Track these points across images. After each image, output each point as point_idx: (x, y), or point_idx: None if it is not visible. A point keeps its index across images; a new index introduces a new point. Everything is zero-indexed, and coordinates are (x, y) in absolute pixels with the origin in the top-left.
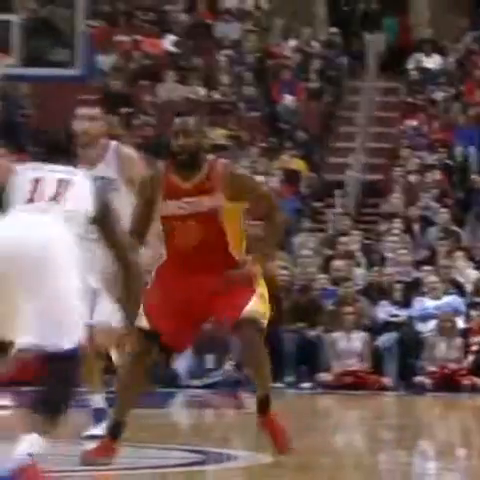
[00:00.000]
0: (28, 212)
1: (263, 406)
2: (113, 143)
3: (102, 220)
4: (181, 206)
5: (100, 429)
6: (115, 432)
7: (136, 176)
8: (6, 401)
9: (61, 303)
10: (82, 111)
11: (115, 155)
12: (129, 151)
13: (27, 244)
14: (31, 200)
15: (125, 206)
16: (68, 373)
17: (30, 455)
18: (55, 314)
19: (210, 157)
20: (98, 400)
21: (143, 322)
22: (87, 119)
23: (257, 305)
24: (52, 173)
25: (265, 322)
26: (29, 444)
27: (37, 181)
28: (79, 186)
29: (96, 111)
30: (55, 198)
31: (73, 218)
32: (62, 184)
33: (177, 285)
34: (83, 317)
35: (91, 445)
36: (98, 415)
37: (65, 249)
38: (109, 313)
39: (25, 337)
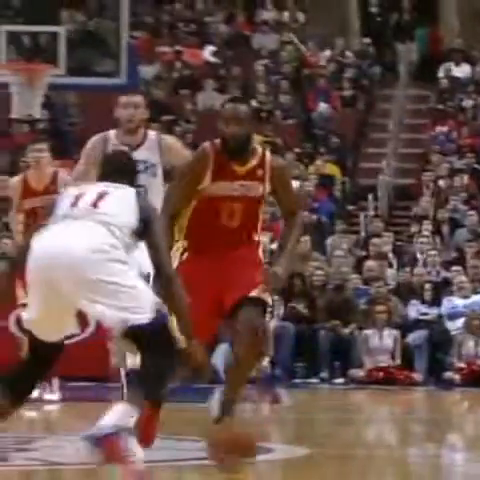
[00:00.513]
0: (69, 218)
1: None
2: (153, 131)
3: (144, 232)
4: (234, 188)
5: None
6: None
7: (184, 159)
8: (54, 396)
9: (122, 284)
10: (126, 99)
11: (157, 142)
12: (173, 140)
13: (70, 250)
14: (73, 205)
15: (159, 189)
16: (156, 345)
17: (116, 426)
18: (122, 294)
19: (258, 146)
20: None
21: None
22: (131, 106)
23: (263, 292)
24: (96, 186)
25: (269, 305)
26: (118, 415)
27: (80, 191)
28: (120, 196)
29: (139, 98)
30: (94, 204)
31: (111, 223)
32: (102, 194)
33: (203, 274)
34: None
35: None
36: None
37: (105, 249)
38: None
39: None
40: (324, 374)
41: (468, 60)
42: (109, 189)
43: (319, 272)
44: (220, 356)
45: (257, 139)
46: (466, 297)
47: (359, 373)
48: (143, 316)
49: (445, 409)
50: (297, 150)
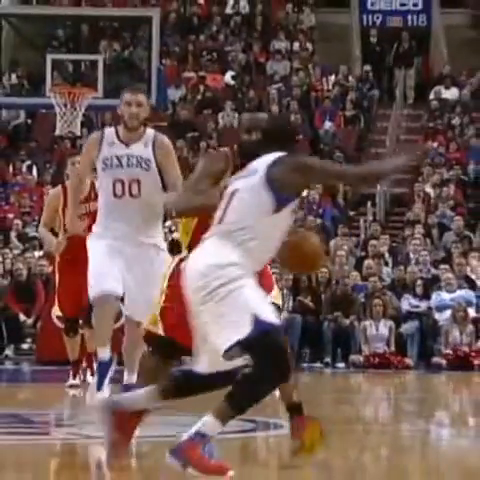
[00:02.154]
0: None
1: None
2: (150, 129)
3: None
4: None
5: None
6: None
7: (169, 158)
8: (76, 380)
9: (227, 306)
10: (129, 97)
11: (152, 139)
12: (167, 140)
13: (191, 270)
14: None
15: (153, 186)
16: (253, 370)
17: (198, 434)
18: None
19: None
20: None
21: (159, 329)
22: (135, 104)
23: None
24: (231, 186)
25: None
26: (203, 424)
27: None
28: (244, 195)
29: (142, 97)
30: (221, 219)
31: (233, 231)
32: (230, 197)
33: None
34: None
35: None
36: None
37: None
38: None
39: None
40: (327, 359)
41: (456, 84)
42: (237, 186)
43: (324, 270)
44: None
45: None
46: (452, 292)
47: (358, 358)
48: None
49: (433, 390)
50: None
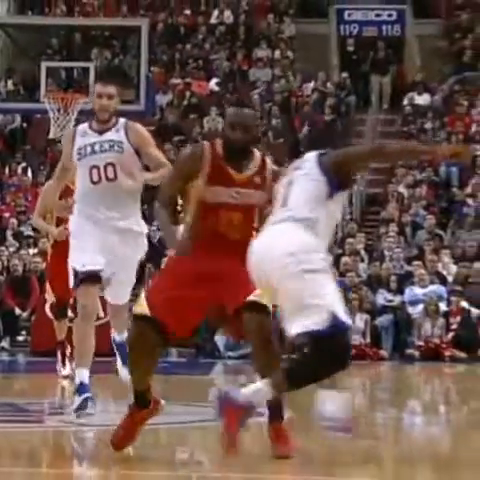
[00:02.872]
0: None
1: (275, 413)
2: (122, 118)
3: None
4: (232, 195)
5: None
6: (141, 402)
7: (145, 139)
8: (67, 371)
9: (303, 293)
10: (100, 89)
11: (124, 126)
12: (139, 125)
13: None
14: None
15: (128, 168)
16: (319, 353)
17: (250, 403)
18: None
19: (258, 152)
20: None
21: (144, 309)
22: (106, 96)
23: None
24: (286, 177)
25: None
26: (254, 390)
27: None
28: (301, 182)
29: (113, 89)
30: (284, 204)
31: (295, 216)
32: (285, 190)
33: (194, 270)
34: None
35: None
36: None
37: (290, 253)
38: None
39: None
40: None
41: (428, 91)
42: (295, 175)
43: None
44: (222, 337)
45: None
46: (425, 287)
47: None
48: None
49: (406, 380)
50: (286, 165)
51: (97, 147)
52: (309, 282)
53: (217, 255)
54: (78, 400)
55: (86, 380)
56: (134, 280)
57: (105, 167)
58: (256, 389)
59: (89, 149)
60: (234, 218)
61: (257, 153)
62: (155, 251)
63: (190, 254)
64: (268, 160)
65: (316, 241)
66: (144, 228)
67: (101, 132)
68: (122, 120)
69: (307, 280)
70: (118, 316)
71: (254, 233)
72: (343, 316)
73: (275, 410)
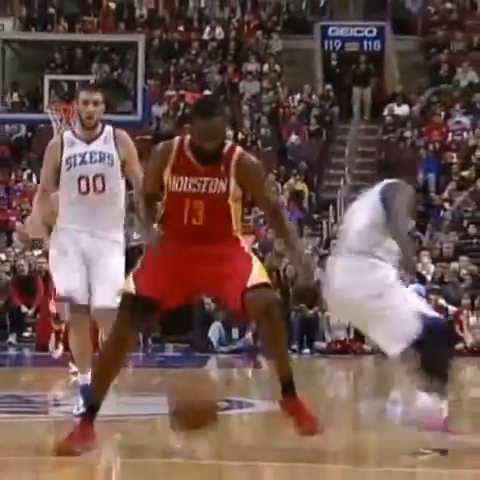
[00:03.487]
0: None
1: (288, 389)
2: (109, 126)
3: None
4: (194, 184)
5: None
6: (92, 414)
7: (132, 154)
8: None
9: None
10: (85, 95)
11: (112, 135)
12: (126, 134)
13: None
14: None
15: (116, 180)
16: (433, 355)
17: (438, 413)
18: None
19: (228, 144)
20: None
21: (130, 287)
22: (92, 103)
23: (262, 275)
24: (355, 203)
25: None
26: (428, 405)
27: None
28: (364, 209)
29: (99, 95)
30: (344, 234)
31: (357, 245)
32: (352, 216)
33: (172, 257)
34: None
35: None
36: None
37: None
38: (109, 296)
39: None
40: (295, 346)
41: (407, 102)
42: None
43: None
44: (215, 331)
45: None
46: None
47: (322, 345)
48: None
49: (388, 373)
50: (274, 171)
51: (87, 157)
52: (388, 300)
53: (188, 245)
54: (82, 402)
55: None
56: (118, 286)
57: (94, 178)
58: (427, 405)
59: (79, 159)
60: (198, 208)
61: (226, 145)
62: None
63: (161, 245)
64: (237, 150)
65: (384, 269)
66: (123, 240)
67: (88, 141)
68: (108, 128)
69: (386, 300)
70: (108, 326)
71: (233, 225)
72: (430, 312)
73: (289, 386)
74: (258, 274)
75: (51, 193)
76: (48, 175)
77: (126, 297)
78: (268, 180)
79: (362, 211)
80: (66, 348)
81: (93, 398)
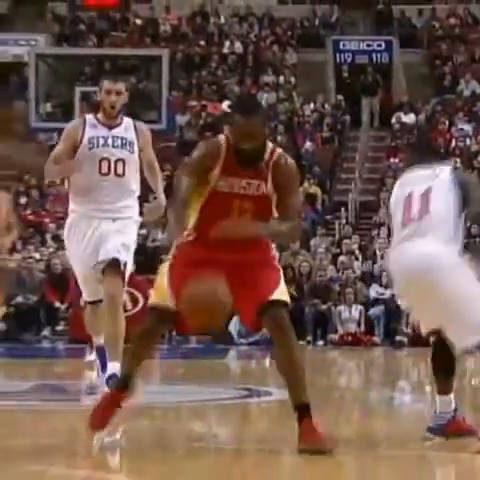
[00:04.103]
0: (406, 235)
1: (302, 413)
2: (128, 117)
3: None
4: (242, 185)
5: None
6: (123, 385)
7: (149, 143)
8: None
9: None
10: (109, 85)
11: (133, 125)
12: (146, 127)
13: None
14: (406, 221)
15: (134, 168)
16: None
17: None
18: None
19: (269, 145)
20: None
21: (169, 301)
22: (114, 93)
23: (284, 292)
24: (418, 187)
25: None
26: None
27: (408, 198)
28: (438, 193)
29: (121, 86)
30: (420, 217)
31: (438, 228)
32: (423, 199)
33: (207, 263)
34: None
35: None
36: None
37: (445, 264)
38: (117, 249)
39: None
40: (309, 338)
41: (413, 110)
42: (428, 185)
43: (305, 264)
44: (235, 325)
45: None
46: None
47: (334, 337)
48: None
49: (396, 363)
50: None
51: (110, 141)
52: (470, 288)
53: (228, 248)
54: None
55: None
56: (131, 244)
57: (116, 162)
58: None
59: (101, 141)
60: (247, 208)
61: (268, 147)
62: None
63: (194, 248)
64: (278, 153)
65: (459, 252)
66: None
67: (110, 127)
68: (128, 119)
69: (466, 286)
70: (111, 287)
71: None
72: None
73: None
74: (283, 290)
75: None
76: (65, 151)
77: (159, 309)
78: (298, 186)
79: (436, 196)
80: None
81: (123, 377)
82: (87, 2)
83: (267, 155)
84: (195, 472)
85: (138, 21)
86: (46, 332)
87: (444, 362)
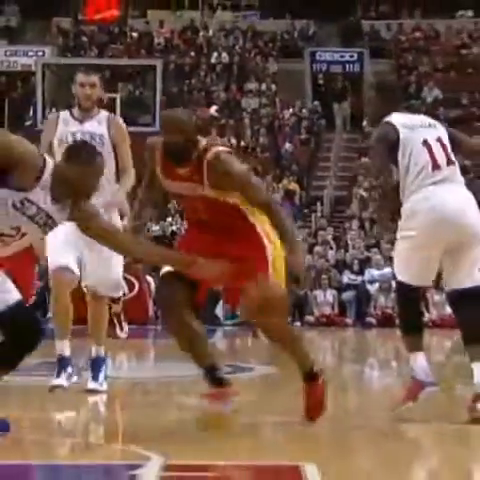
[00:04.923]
0: (439, 181)
1: (308, 377)
2: (105, 111)
3: None
4: (179, 187)
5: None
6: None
7: (123, 139)
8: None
9: None
10: (83, 78)
11: (106, 118)
12: (121, 121)
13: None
14: (435, 167)
15: (107, 161)
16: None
17: None
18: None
19: (203, 143)
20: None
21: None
22: (88, 85)
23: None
24: (428, 134)
25: (279, 288)
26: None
27: (425, 143)
28: (448, 144)
29: (95, 78)
30: (449, 163)
31: (460, 178)
32: (441, 148)
33: (195, 242)
34: None
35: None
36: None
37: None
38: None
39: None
40: (287, 319)
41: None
42: (439, 134)
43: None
44: (221, 307)
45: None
46: (380, 269)
47: (311, 319)
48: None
49: (366, 342)
50: (271, 174)
51: (78, 136)
52: None
53: (207, 236)
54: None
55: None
56: (118, 273)
57: None
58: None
59: (70, 138)
60: (197, 206)
61: (200, 145)
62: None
63: (187, 233)
64: (210, 155)
65: None
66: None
67: (82, 121)
68: (105, 113)
69: None
70: (95, 310)
71: (246, 213)
72: None
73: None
74: (269, 273)
75: None
76: (45, 147)
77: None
78: (250, 180)
79: (448, 147)
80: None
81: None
82: (89, 17)
83: (196, 154)
84: (185, 439)
85: (134, 34)
86: (50, 314)
87: None
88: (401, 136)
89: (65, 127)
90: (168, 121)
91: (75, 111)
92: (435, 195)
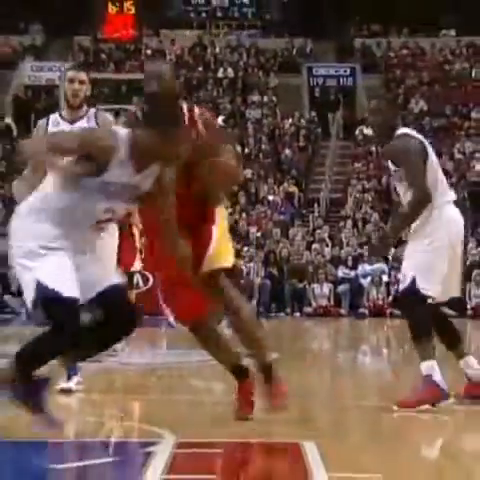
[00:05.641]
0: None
1: (267, 374)
2: (93, 108)
3: None
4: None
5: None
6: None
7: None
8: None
9: None
10: (72, 74)
11: (94, 116)
12: (109, 116)
13: None
14: (447, 187)
15: None
16: None
17: None
18: None
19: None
20: None
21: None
22: (77, 81)
23: (217, 251)
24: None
25: (228, 262)
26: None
27: (437, 164)
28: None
29: (84, 75)
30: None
31: None
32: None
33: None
34: None
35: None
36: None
37: None
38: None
39: None
40: (288, 310)
41: None
42: None
43: (285, 250)
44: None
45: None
46: (372, 264)
47: (309, 310)
48: None
49: (359, 331)
50: (273, 177)
51: None
52: None
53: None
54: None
55: None
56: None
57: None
58: None
59: None
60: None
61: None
62: None
63: None
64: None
65: None
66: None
67: (72, 121)
68: (93, 110)
69: None
70: None
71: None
72: None
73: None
74: (216, 256)
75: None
76: None
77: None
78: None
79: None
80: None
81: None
82: (107, 36)
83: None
84: (195, 419)
85: (148, 51)
86: None
87: None
88: (428, 150)
89: (56, 128)
90: (152, 69)
91: (64, 112)
92: (455, 215)
